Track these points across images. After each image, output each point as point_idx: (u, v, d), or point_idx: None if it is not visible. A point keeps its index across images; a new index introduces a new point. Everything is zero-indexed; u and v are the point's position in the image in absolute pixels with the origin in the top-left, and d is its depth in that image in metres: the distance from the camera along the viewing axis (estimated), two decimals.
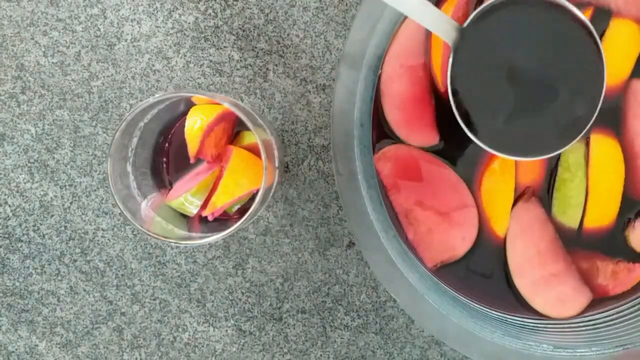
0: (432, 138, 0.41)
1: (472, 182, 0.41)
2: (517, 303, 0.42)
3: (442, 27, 0.35)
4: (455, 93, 0.36)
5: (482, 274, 0.42)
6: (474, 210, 0.41)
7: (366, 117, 0.39)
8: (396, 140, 0.41)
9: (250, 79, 0.46)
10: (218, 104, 0.37)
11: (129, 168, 0.38)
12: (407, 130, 0.41)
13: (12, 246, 0.48)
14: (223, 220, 0.41)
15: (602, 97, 0.36)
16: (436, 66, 0.40)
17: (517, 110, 0.36)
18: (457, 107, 0.36)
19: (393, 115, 0.41)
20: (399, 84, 0.40)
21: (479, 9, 0.35)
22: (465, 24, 0.35)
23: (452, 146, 0.41)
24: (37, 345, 0.48)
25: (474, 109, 0.36)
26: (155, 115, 0.38)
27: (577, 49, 0.35)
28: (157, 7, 0.46)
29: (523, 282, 0.41)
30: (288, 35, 0.46)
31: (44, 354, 0.48)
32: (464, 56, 0.35)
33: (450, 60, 0.36)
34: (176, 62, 0.46)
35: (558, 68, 0.36)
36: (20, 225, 0.48)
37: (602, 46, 0.35)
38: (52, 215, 0.47)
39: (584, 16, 0.35)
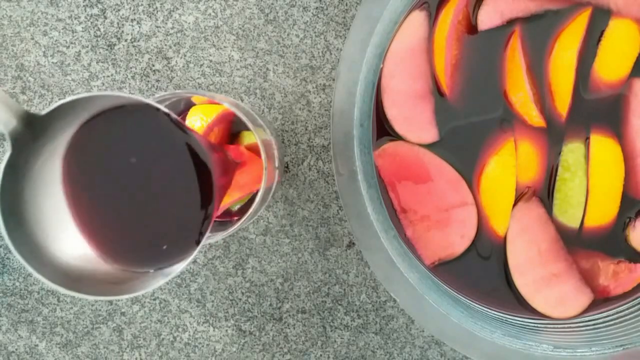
0: (431, 134, 0.41)
1: (471, 180, 0.41)
2: (517, 303, 0.41)
3: None
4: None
5: (482, 272, 0.42)
6: (473, 208, 0.41)
7: (366, 117, 0.39)
8: (396, 137, 0.41)
9: (250, 79, 0.46)
10: (218, 104, 0.37)
11: None
12: (406, 126, 0.41)
13: None
14: (223, 220, 0.41)
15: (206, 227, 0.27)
16: (438, 64, 0.40)
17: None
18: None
19: (393, 111, 0.41)
20: (400, 80, 0.40)
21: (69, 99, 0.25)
22: (45, 112, 0.25)
23: (452, 143, 0.41)
24: (37, 345, 0.48)
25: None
26: None
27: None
28: (157, 7, 0.46)
29: (523, 281, 0.41)
30: (288, 35, 0.46)
31: (44, 354, 0.48)
32: (30, 156, 0.25)
33: (6, 158, 0.24)
34: (176, 62, 0.46)
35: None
36: None
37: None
38: None
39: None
